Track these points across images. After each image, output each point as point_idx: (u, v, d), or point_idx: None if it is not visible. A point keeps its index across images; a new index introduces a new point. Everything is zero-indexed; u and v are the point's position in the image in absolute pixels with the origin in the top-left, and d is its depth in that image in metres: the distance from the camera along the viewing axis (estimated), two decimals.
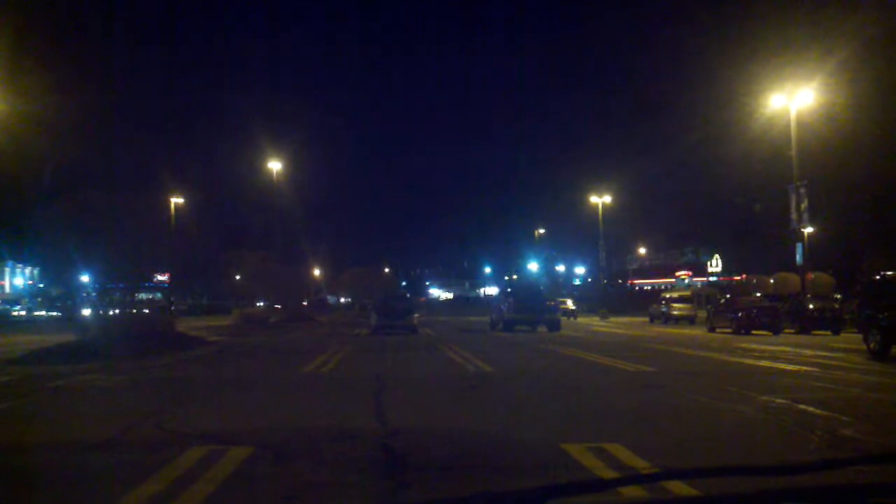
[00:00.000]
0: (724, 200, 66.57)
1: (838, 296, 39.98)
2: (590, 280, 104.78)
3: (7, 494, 5.82)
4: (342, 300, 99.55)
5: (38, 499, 5.61)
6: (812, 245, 40.20)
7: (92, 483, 6.09)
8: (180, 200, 52.63)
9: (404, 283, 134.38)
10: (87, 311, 28.45)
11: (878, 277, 20.83)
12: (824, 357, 19.25)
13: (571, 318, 55.51)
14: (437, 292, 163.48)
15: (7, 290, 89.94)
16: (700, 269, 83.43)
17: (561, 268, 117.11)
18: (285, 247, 57.67)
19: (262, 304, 49.97)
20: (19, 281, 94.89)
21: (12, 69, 28.16)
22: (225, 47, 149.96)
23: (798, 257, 37.38)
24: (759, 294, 42.89)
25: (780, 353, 20.28)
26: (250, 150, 55.71)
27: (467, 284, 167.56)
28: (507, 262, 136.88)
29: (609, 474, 5.94)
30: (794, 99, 37.23)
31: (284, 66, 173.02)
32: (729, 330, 33.12)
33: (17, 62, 27.85)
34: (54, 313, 62.15)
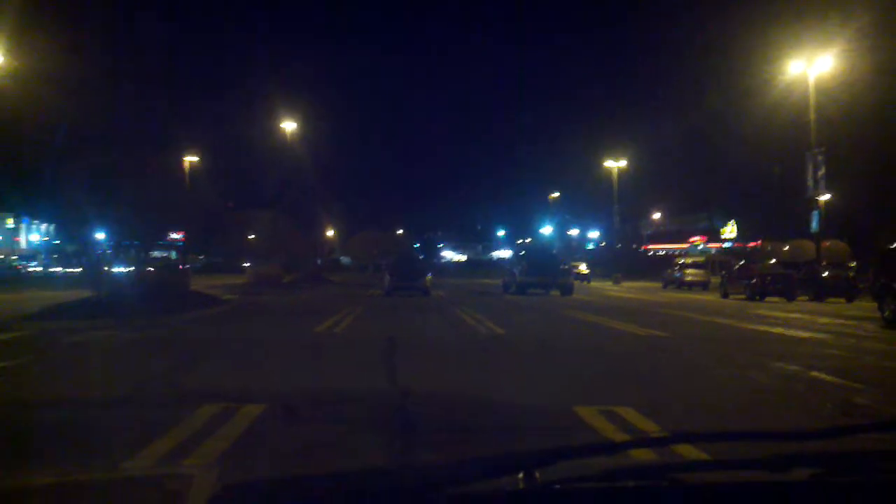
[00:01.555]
0: (740, 166, 66.11)
1: (853, 264, 39.79)
2: (603, 244, 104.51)
3: (20, 450, 5.88)
4: (355, 261, 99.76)
5: (51, 455, 5.66)
6: (828, 212, 39.99)
7: (105, 440, 6.15)
8: (195, 159, 52.65)
9: (417, 245, 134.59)
10: (102, 268, 28.59)
11: (893, 246, 20.70)
12: (838, 325, 19.20)
13: (585, 283, 55.49)
14: (450, 255, 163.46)
15: (23, 246, 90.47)
16: (715, 236, 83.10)
17: (575, 232, 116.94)
18: (299, 207, 57.77)
19: (247, 264, 49.88)
20: (35, 237, 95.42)
21: (29, 28, 28.14)
22: (242, 8, 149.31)
23: (814, 224, 37.18)
24: (773, 261, 42.75)
25: (794, 320, 20.24)
26: (265, 111, 55.63)
27: (480, 247, 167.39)
28: (521, 226, 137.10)
29: (620, 437, 5.95)
30: (813, 65, 36.86)
31: (301, 29, 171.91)
32: (742, 296, 33.06)
33: (33, 21, 27.83)
34: (70, 270, 62.48)
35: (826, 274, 33.99)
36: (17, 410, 7.37)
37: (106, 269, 27.04)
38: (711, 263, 52.45)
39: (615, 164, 69.95)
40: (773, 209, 62.17)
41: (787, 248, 52.23)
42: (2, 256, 75.51)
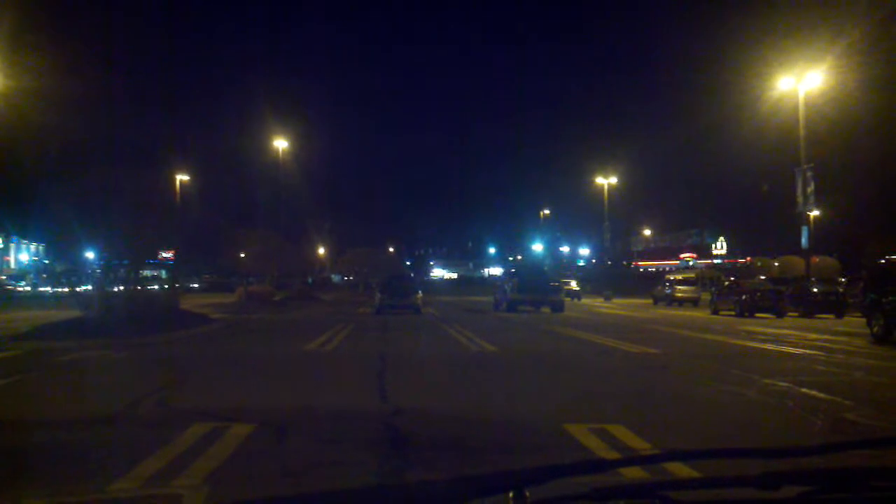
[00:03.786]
0: (730, 183, 66.44)
1: (843, 279, 39.90)
2: (594, 261, 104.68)
3: (10, 470, 5.84)
4: (346, 279, 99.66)
5: (40, 476, 5.63)
6: (818, 228, 40.18)
7: (94, 460, 6.11)
8: (185, 178, 52.52)
9: (408, 263, 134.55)
10: (91, 288, 28.51)
11: (882, 261, 20.81)
12: (827, 341, 19.21)
13: (575, 299, 55.48)
14: (440, 272, 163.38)
15: (12, 265, 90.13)
16: (705, 252, 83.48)
17: (565, 249, 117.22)
18: (290, 225, 57.70)
19: (196, 285, 49.66)
20: (24, 257, 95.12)
21: (17, 45, 28.09)
22: (231, 25, 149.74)
23: (803, 241, 37.27)
24: (763, 277, 42.82)
25: (784, 337, 20.26)
26: (256, 129, 55.64)
27: (471, 265, 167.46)
28: (512, 243, 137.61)
29: (610, 455, 5.94)
30: (802, 81, 37.06)
31: (291, 45, 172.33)
32: (732, 313, 33.09)
33: (21, 38, 27.78)
34: (59, 289, 62.24)
35: (815, 290, 34.03)
36: (5, 431, 7.33)
37: (94, 288, 26.96)
38: (701, 280, 52.52)
39: (606, 181, 70.18)
40: (762, 225, 62.40)
41: (776, 264, 52.39)
42: None
